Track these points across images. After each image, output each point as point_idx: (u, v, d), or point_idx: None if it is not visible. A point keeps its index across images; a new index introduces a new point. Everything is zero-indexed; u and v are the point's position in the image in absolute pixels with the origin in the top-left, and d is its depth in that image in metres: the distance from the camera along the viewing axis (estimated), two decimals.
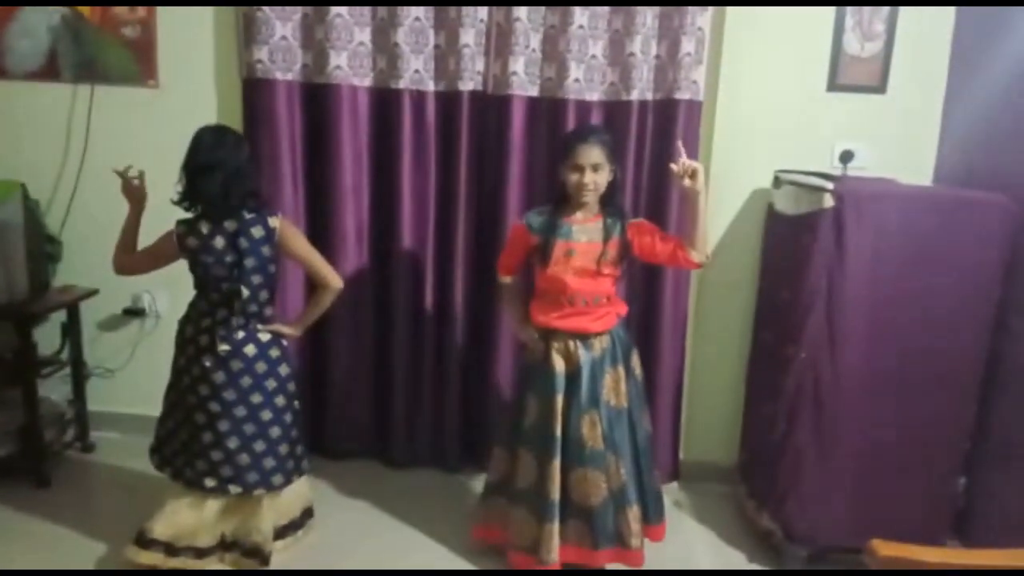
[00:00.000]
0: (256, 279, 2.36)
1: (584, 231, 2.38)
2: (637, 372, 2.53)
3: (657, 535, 2.57)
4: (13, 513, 2.74)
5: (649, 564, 2.57)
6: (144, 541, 2.36)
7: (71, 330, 3.10)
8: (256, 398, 2.37)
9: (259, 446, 2.37)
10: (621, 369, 2.43)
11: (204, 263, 2.32)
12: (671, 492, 3.11)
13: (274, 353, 2.42)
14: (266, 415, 2.38)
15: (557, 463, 2.37)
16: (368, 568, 2.54)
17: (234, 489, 2.35)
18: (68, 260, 3.16)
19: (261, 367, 2.38)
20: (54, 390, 3.11)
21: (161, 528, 2.37)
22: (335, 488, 3.01)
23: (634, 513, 2.42)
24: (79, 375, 3.15)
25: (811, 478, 2.55)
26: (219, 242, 2.30)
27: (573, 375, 2.40)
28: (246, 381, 2.35)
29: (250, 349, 2.36)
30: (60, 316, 3.09)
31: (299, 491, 2.60)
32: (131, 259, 2.44)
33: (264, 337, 2.40)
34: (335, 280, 2.45)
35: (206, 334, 2.36)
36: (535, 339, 2.45)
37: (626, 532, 2.42)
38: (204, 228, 2.31)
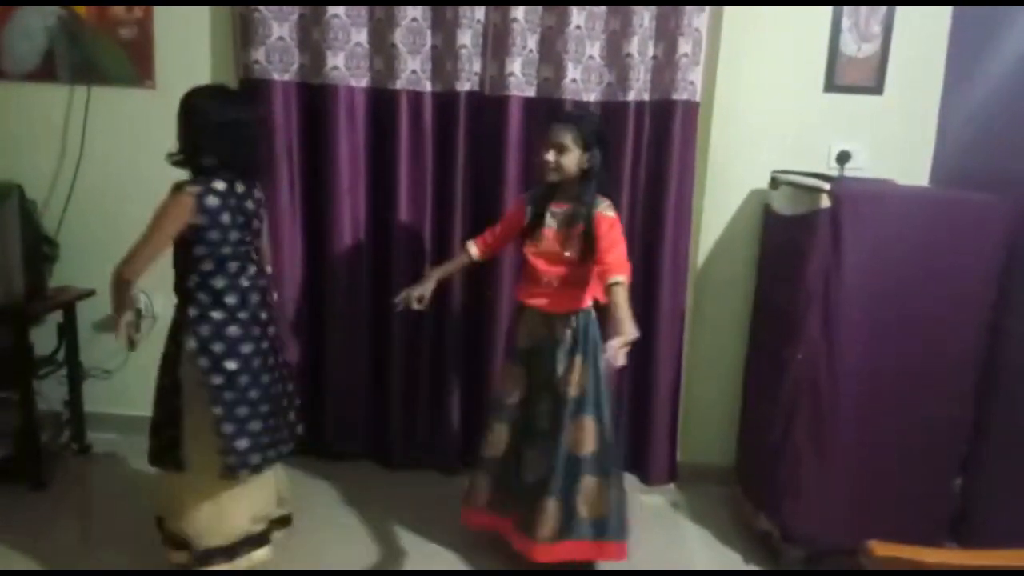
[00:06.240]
0: (259, 242, 2.34)
1: (555, 216, 2.42)
2: (601, 367, 2.42)
3: (611, 554, 2.45)
4: (10, 515, 2.73)
5: (646, 564, 2.58)
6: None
7: (68, 331, 3.09)
8: (280, 358, 2.42)
9: (285, 403, 2.44)
10: (579, 359, 2.40)
11: (223, 224, 2.18)
12: (668, 493, 3.12)
13: (275, 313, 2.47)
14: (282, 372, 2.45)
15: (502, 428, 2.52)
16: (366, 568, 2.53)
17: (285, 449, 2.39)
18: (65, 261, 3.15)
19: (273, 329, 2.39)
20: (51, 391, 3.10)
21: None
22: (332, 489, 3.00)
23: (551, 506, 2.38)
24: (76, 376, 3.15)
25: (808, 479, 2.55)
26: (233, 202, 2.21)
27: (535, 351, 2.47)
28: (277, 343, 2.39)
29: (275, 312, 2.40)
30: (56, 317, 3.09)
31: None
32: (143, 268, 2.22)
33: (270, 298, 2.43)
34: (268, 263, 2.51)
35: (243, 309, 2.25)
36: (418, 295, 2.50)
37: (536, 521, 2.39)
38: (220, 186, 2.18)
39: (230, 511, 2.30)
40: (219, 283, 2.21)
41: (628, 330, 2.09)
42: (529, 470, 2.47)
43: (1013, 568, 1.47)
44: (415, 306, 2.49)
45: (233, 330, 2.22)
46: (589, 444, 2.39)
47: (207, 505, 2.27)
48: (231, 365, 2.21)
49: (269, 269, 2.49)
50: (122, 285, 2.20)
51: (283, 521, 2.53)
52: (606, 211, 2.36)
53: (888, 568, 1.46)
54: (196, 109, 2.20)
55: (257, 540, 2.37)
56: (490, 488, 2.55)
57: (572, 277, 2.41)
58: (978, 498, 2.63)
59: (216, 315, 2.21)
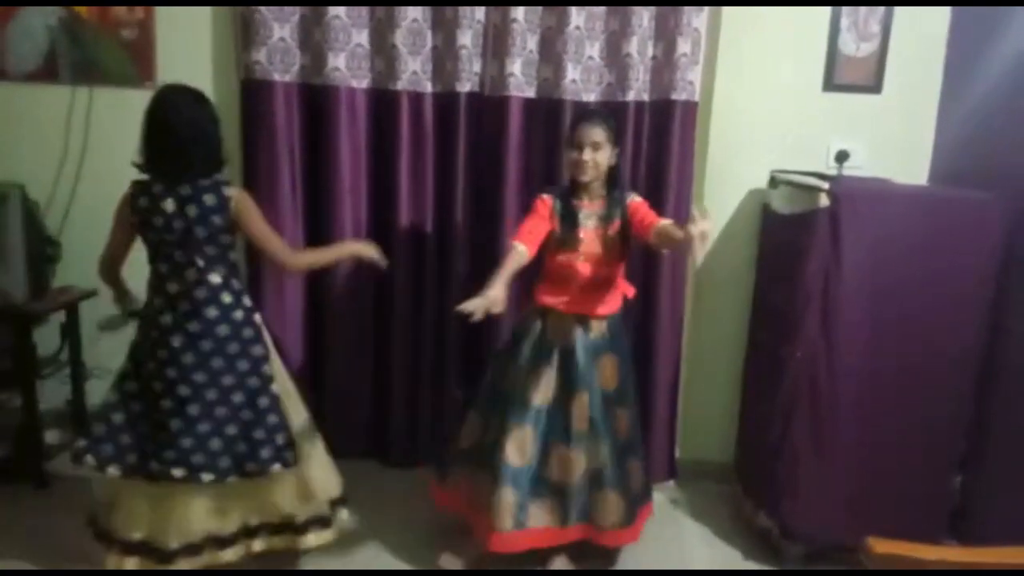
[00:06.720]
0: (209, 250, 2.24)
1: (590, 216, 2.43)
2: (629, 360, 2.57)
3: (649, 513, 2.64)
4: (12, 514, 2.75)
5: (646, 563, 2.59)
6: (128, 545, 2.28)
7: (70, 331, 3.10)
8: (228, 380, 2.26)
9: (231, 430, 2.25)
10: (612, 356, 2.47)
11: (154, 226, 2.20)
12: (668, 490, 3.13)
13: (247, 333, 2.31)
14: (237, 397, 2.27)
15: (527, 432, 2.41)
16: (367, 568, 2.54)
17: (206, 477, 2.20)
18: (67, 261, 3.15)
19: (234, 348, 2.27)
20: (53, 391, 3.11)
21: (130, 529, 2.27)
22: None
23: (613, 497, 2.43)
24: (78, 376, 3.15)
25: (808, 477, 2.56)
26: (169, 205, 2.19)
27: (566, 354, 2.44)
28: (217, 362, 2.24)
29: (223, 329, 2.25)
30: (59, 317, 3.09)
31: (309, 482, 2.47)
32: (111, 261, 2.36)
33: (238, 316, 2.29)
34: (291, 261, 2.45)
35: (168, 312, 2.24)
36: (494, 300, 2.11)
37: (600, 512, 2.43)
38: (157, 189, 2.20)
39: (117, 505, 2.34)
40: (153, 282, 2.29)
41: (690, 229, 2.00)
42: (572, 470, 2.42)
43: (1012, 566, 1.48)
44: (497, 310, 2.10)
45: (139, 333, 2.30)
46: (627, 431, 2.50)
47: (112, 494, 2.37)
48: (125, 364, 2.30)
49: (293, 253, 2.49)
50: (101, 276, 2.38)
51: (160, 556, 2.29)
52: (635, 197, 2.46)
53: (887, 566, 1.47)
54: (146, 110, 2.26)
55: (111, 541, 2.31)
56: (520, 501, 2.40)
57: (606, 278, 2.45)
58: (977, 496, 2.64)
59: (149, 314, 2.31)
